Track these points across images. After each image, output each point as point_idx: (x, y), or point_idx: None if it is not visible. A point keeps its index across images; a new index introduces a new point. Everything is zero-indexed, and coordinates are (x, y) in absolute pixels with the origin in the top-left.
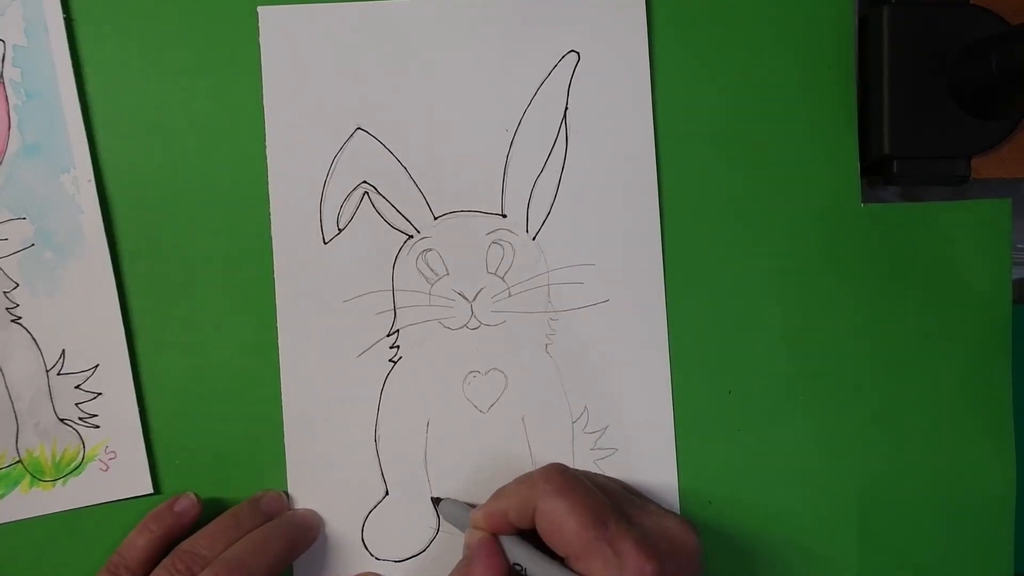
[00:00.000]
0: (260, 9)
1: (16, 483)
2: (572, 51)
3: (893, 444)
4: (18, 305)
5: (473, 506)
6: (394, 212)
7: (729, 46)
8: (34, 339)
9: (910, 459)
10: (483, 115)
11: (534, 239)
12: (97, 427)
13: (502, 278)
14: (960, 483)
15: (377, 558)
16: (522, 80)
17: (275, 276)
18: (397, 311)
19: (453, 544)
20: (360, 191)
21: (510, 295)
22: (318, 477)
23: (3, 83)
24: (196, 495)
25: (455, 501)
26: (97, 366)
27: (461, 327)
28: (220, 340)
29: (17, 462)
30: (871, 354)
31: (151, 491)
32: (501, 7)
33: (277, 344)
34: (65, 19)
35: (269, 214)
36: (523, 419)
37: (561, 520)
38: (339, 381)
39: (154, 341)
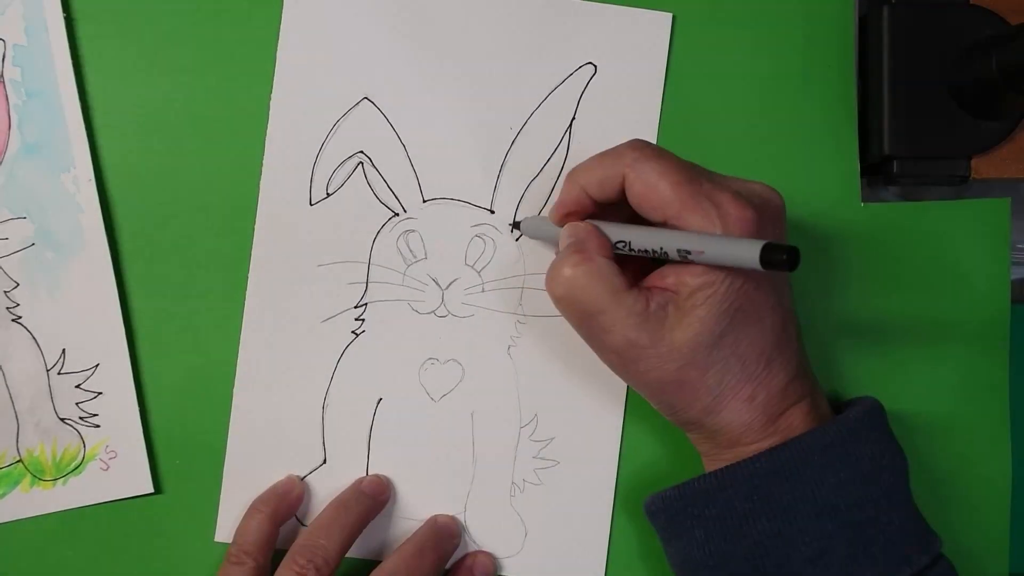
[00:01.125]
0: None
1: (16, 483)
2: (589, 63)
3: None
4: (19, 304)
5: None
6: (384, 187)
7: (728, 46)
8: (34, 338)
9: (909, 457)
10: (490, 109)
11: (517, 240)
12: (97, 427)
13: (478, 272)
14: (957, 482)
15: (303, 524)
16: (535, 82)
17: (255, 231)
18: (369, 285)
19: (379, 525)
20: (355, 160)
21: (483, 290)
22: (259, 434)
23: (3, 83)
24: (297, 476)
25: (533, 217)
26: (97, 365)
27: (429, 313)
28: (220, 340)
29: (17, 461)
30: (871, 353)
31: (151, 490)
32: (529, 6)
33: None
34: (65, 19)
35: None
36: (472, 414)
37: (655, 181)
38: (299, 343)
39: (154, 340)
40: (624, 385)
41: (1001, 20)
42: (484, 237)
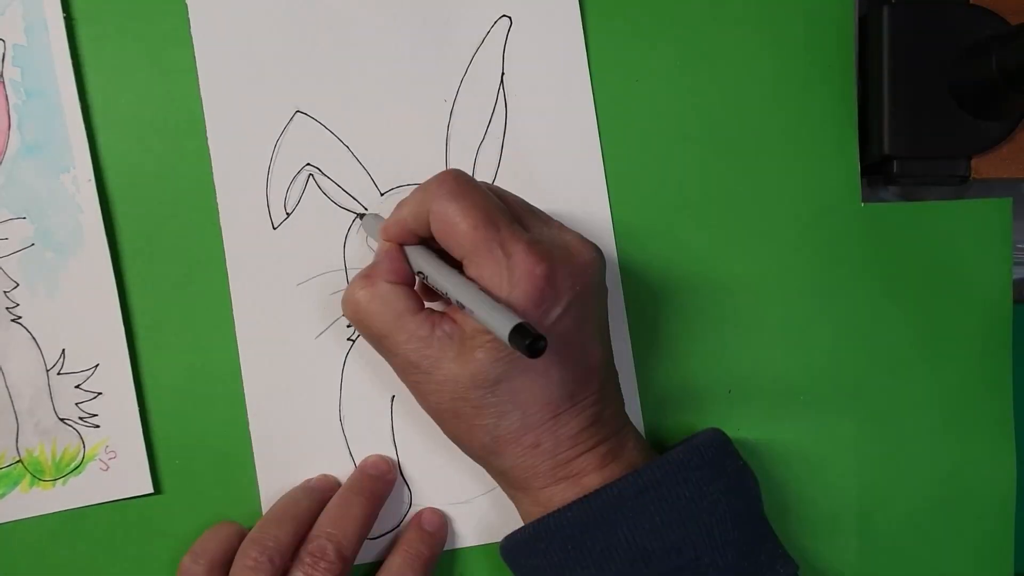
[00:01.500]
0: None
1: (16, 483)
2: (504, 16)
3: (893, 444)
4: (18, 304)
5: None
6: (340, 192)
7: (729, 46)
8: (34, 339)
9: (910, 459)
10: (420, 87)
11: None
12: (97, 427)
13: None
14: (960, 483)
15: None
16: (456, 49)
17: (227, 264)
18: None
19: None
20: (305, 174)
21: None
22: (286, 460)
23: (3, 83)
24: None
25: (376, 215)
26: (97, 366)
27: None
28: (220, 340)
29: (17, 462)
30: (871, 354)
31: (151, 491)
32: None
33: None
34: (65, 19)
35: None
36: None
37: (453, 220)
38: (299, 363)
39: (154, 340)
40: (627, 327)
41: (1001, 20)
42: None
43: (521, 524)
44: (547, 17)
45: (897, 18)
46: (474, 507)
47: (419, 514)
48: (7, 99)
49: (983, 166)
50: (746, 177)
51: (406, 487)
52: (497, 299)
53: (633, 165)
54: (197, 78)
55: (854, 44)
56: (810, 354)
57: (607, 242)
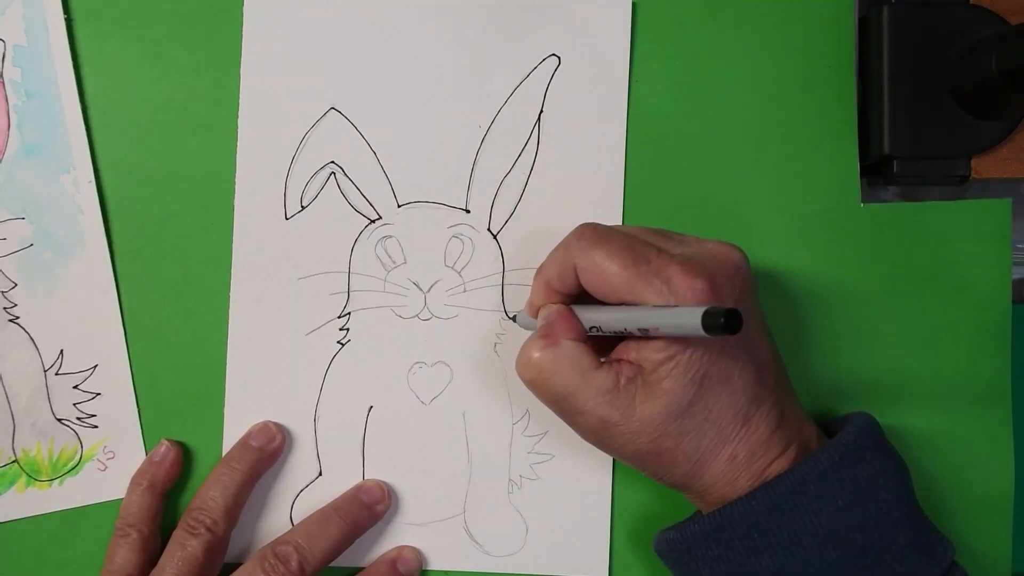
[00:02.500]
0: None
1: (12, 483)
2: (553, 55)
3: (893, 444)
4: (16, 305)
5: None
6: (358, 195)
7: (729, 46)
8: (32, 339)
9: (910, 459)
10: (458, 109)
11: (495, 238)
12: (95, 427)
13: (459, 273)
14: (959, 483)
15: (292, 524)
16: (500, 78)
17: (233, 247)
18: (351, 294)
19: (380, 533)
20: (327, 171)
21: (465, 290)
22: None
23: (3, 83)
24: (170, 440)
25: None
26: (96, 366)
27: (413, 317)
28: (219, 341)
29: (13, 462)
30: (871, 354)
31: None
32: (487, 2)
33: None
34: (66, 19)
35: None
36: (464, 415)
37: (603, 267)
38: (285, 357)
39: (153, 341)
40: None
41: (1001, 20)
42: (461, 237)
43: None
44: (596, 60)
45: (897, 18)
46: (429, 531)
47: (397, 553)
48: (7, 99)
49: (983, 166)
50: (746, 177)
51: None
52: None
53: (632, 165)
54: (199, 78)
55: (854, 44)
56: (809, 354)
57: None
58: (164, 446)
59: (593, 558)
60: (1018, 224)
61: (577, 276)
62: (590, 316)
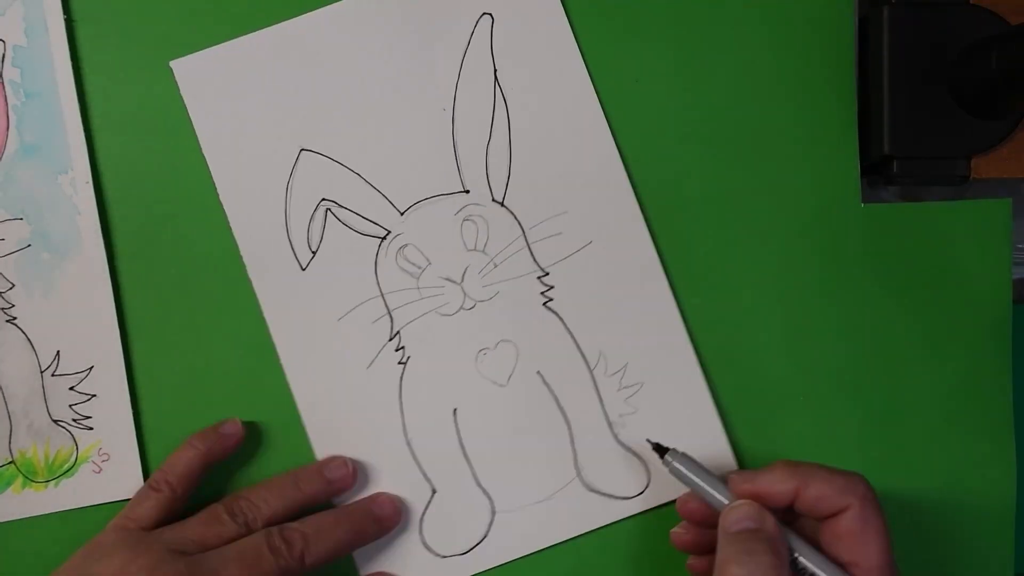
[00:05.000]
0: (173, 64)
1: (9, 484)
2: (485, 14)
3: (893, 444)
4: (13, 305)
5: (701, 466)
6: (360, 220)
7: (729, 46)
8: (29, 340)
9: (910, 459)
10: (418, 101)
11: (503, 205)
12: (91, 429)
13: (483, 251)
14: (960, 483)
15: (442, 556)
16: (445, 56)
17: (263, 310)
18: (392, 313)
19: (511, 525)
20: (322, 209)
21: (495, 266)
22: (363, 493)
23: (3, 83)
24: (242, 422)
25: (686, 457)
26: (92, 368)
27: (458, 311)
28: (216, 342)
29: (10, 463)
30: (871, 354)
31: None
32: None
33: (274, 346)
34: (65, 19)
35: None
36: (544, 380)
37: (873, 535)
38: (356, 396)
39: (150, 343)
40: (667, 285)
41: (1001, 20)
42: (472, 218)
43: None
44: (527, 7)
45: (897, 18)
46: (555, 503)
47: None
48: (6, 100)
49: (983, 166)
50: (746, 177)
51: (486, 496)
52: None
53: (633, 165)
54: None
55: (854, 44)
56: (810, 354)
57: (634, 214)
58: (235, 423)
59: (720, 457)
60: (1018, 224)
61: (828, 509)
62: (800, 546)
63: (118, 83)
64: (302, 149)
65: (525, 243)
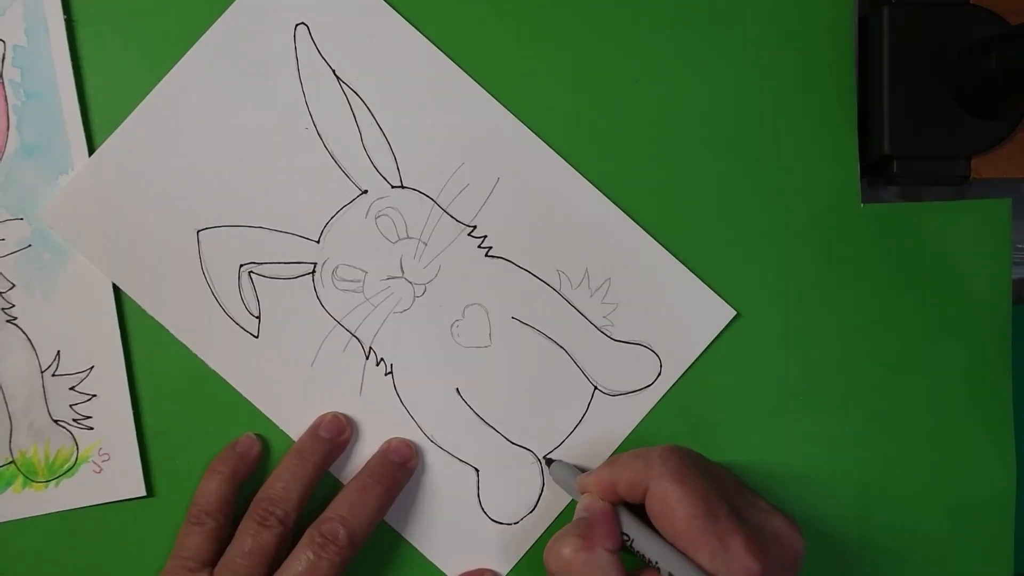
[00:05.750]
0: (43, 215)
1: (9, 484)
2: (299, 24)
3: (893, 444)
4: (14, 305)
5: (582, 469)
6: (283, 266)
7: (728, 46)
8: (29, 340)
9: (910, 459)
10: (278, 134)
11: (403, 187)
12: (91, 429)
13: (408, 237)
14: (960, 483)
15: (512, 523)
16: (281, 78)
17: (237, 388)
18: (356, 334)
19: (558, 499)
20: (245, 274)
21: (425, 244)
22: (413, 505)
23: (3, 83)
24: (255, 434)
25: (565, 464)
26: (92, 368)
27: (412, 304)
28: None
29: (10, 462)
30: (871, 354)
31: (144, 493)
32: (224, 32)
33: None
34: (65, 19)
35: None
36: (523, 322)
37: (673, 506)
38: (363, 423)
39: (149, 343)
40: (587, 184)
41: (1001, 20)
42: (383, 212)
43: None
44: (346, 16)
45: (897, 18)
46: (590, 423)
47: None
48: (6, 100)
49: (983, 166)
50: (746, 177)
51: (527, 451)
52: None
53: (633, 165)
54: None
55: (854, 44)
56: (810, 354)
57: (523, 133)
58: (250, 438)
59: (717, 316)
60: (1018, 224)
61: (645, 494)
62: (632, 527)
63: (118, 82)
64: (198, 231)
65: (441, 210)
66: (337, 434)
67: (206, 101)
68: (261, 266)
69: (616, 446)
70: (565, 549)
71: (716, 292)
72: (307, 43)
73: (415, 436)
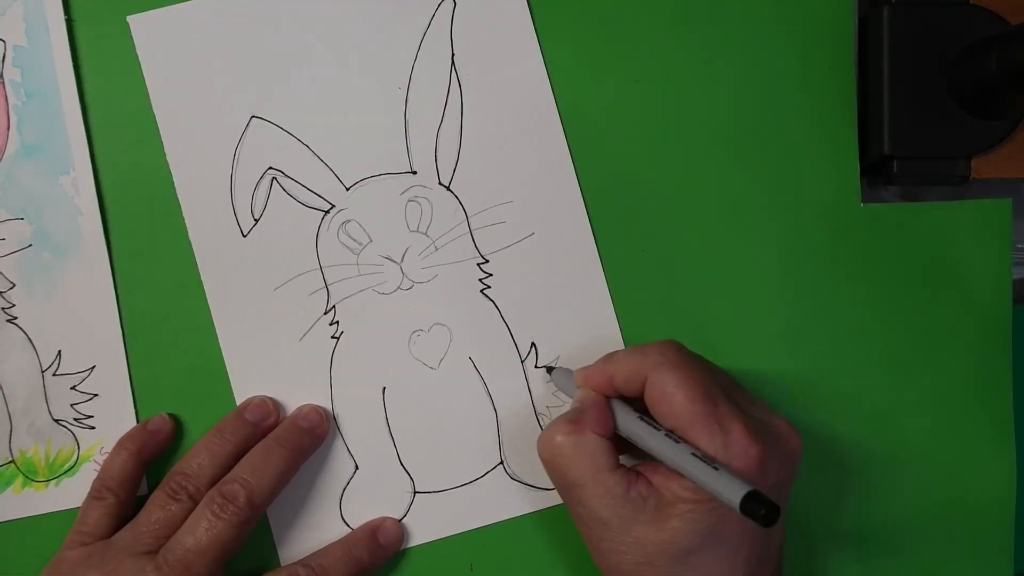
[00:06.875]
0: (130, 18)
1: (9, 483)
2: None
3: (893, 444)
4: (14, 305)
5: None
6: (305, 191)
7: (729, 46)
8: (30, 339)
9: (909, 459)
10: (373, 78)
11: (448, 189)
12: (92, 428)
13: (425, 234)
14: (960, 483)
15: (350, 525)
16: (404, 35)
17: (201, 275)
18: (329, 288)
19: (431, 506)
20: (268, 178)
21: (436, 249)
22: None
23: (3, 83)
24: (169, 414)
25: (566, 370)
26: (93, 367)
27: (395, 290)
28: (216, 342)
29: (10, 462)
30: (871, 354)
31: (144, 492)
32: None
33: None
34: (65, 19)
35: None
36: (475, 366)
37: (671, 392)
38: (286, 367)
39: (150, 343)
40: (604, 283)
41: (1001, 20)
42: (417, 199)
43: None
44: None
45: (897, 18)
46: (477, 488)
47: (379, 523)
48: (7, 100)
49: (983, 166)
50: (746, 177)
51: (407, 475)
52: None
53: (633, 165)
54: None
55: (854, 44)
56: (810, 354)
57: (578, 209)
58: (162, 417)
59: None
60: (1018, 224)
61: (644, 386)
62: (631, 424)
63: (118, 82)
64: (253, 116)
65: (468, 229)
66: (262, 419)
67: (329, 5)
68: (286, 180)
69: (481, 523)
70: (556, 436)
71: (716, 294)
72: (445, 18)
73: (323, 403)
